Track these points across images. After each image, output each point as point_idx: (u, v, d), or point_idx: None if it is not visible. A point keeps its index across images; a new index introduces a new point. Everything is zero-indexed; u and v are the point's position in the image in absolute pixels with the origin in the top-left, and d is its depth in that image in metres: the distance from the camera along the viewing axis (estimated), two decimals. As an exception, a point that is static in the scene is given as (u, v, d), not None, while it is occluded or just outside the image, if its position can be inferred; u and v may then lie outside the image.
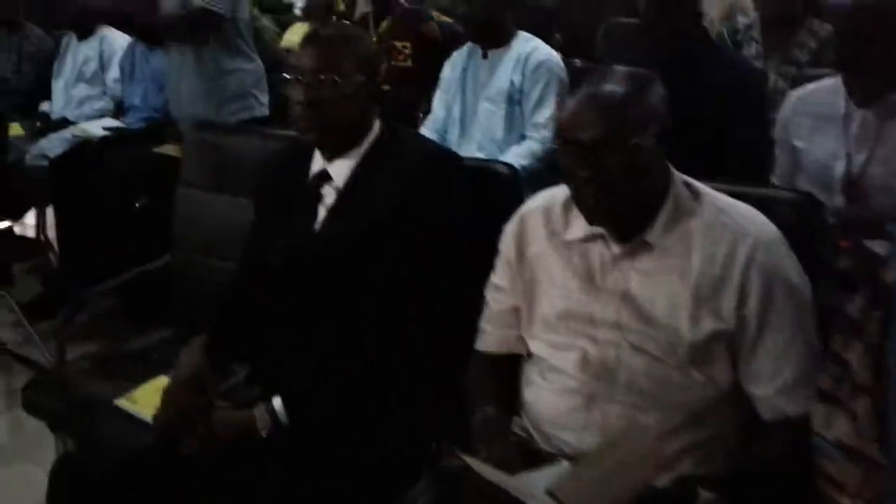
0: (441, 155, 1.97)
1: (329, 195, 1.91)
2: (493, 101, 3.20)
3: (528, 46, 3.18)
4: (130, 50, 4.41)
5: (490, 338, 1.81)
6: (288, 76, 1.87)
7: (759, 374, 1.55)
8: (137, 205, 4.09)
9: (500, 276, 1.80)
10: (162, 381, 1.95)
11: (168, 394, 1.81)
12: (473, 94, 3.26)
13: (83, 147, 4.20)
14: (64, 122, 4.47)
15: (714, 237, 1.57)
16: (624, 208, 1.57)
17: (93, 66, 4.58)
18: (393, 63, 4.80)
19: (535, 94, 3.14)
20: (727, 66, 2.79)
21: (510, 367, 1.79)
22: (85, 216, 4.04)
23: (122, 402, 2.03)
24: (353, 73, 1.82)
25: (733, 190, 1.69)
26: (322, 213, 1.90)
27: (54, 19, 4.93)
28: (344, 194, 1.89)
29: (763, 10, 3.58)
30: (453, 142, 3.30)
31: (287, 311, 1.90)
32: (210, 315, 2.05)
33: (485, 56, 3.25)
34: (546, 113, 3.12)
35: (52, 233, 4.33)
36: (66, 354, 2.43)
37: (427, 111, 4.81)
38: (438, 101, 3.43)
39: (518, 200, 1.96)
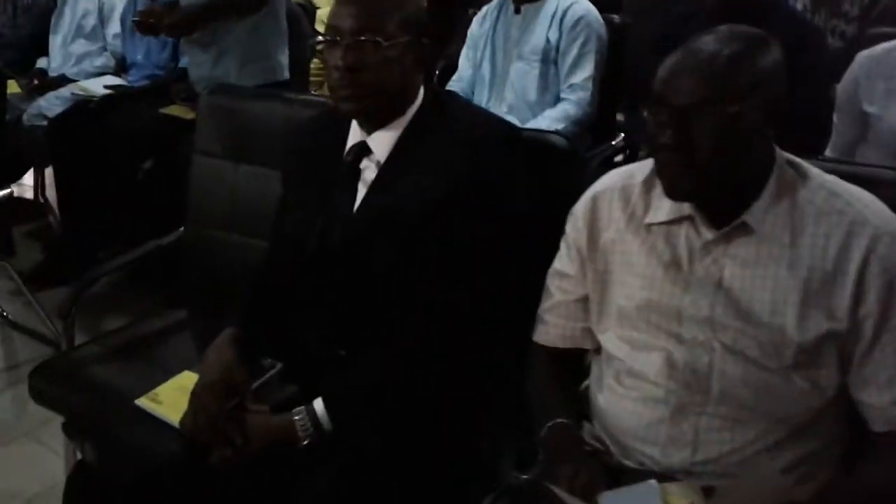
0: (497, 126, 1.76)
1: (369, 170, 1.70)
2: (527, 60, 2.98)
3: (566, 1, 2.95)
4: (132, 3, 4.15)
5: (553, 330, 1.63)
6: (323, 37, 1.65)
7: (874, 380, 1.36)
8: (143, 167, 3.89)
9: (565, 263, 1.61)
10: (187, 378, 1.76)
11: (196, 397, 1.62)
12: (504, 53, 3.04)
13: (84, 106, 3.97)
14: (62, 80, 4.23)
15: (826, 224, 1.37)
16: (713, 185, 1.37)
17: (92, 20, 4.34)
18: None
19: (573, 53, 2.92)
20: (786, 20, 2.56)
21: (574, 362, 1.61)
22: (87, 179, 3.82)
23: (144, 402, 1.83)
24: (398, 34, 1.60)
25: (835, 168, 1.49)
26: (362, 190, 1.70)
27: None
28: (386, 169, 1.68)
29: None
30: (482, 103, 3.08)
31: (324, 300, 1.71)
32: (233, 299, 1.87)
33: (517, 11, 3.03)
34: (584, 73, 2.92)
35: (50, 193, 4.09)
36: (74, 337, 2.24)
37: (445, 68, 4.61)
38: (465, 60, 3.21)
39: (578, 177, 1.77)
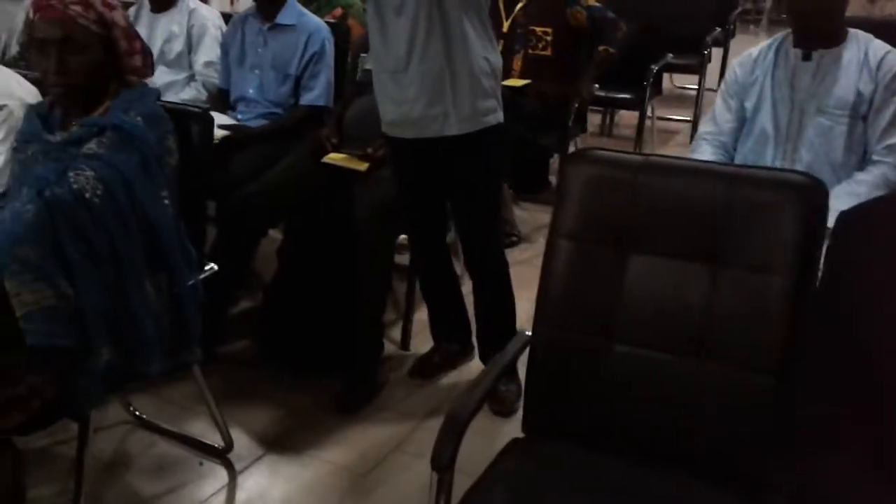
0: None
1: None
2: (831, 116, 2.53)
3: (878, 49, 2.52)
4: (238, 28, 3.50)
5: None
6: None
7: None
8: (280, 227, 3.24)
9: None
10: None
11: None
12: (792, 103, 2.58)
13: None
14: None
15: None
16: None
17: (177, 45, 3.68)
18: (530, 52, 4.08)
19: (890, 109, 2.49)
20: None
21: None
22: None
23: None
24: None
25: None
26: None
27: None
28: None
29: None
30: (764, 162, 2.62)
31: None
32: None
33: (807, 57, 2.58)
34: (903, 132, 2.50)
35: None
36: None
37: (577, 110, 4.14)
38: (724, 108, 2.73)
39: None
